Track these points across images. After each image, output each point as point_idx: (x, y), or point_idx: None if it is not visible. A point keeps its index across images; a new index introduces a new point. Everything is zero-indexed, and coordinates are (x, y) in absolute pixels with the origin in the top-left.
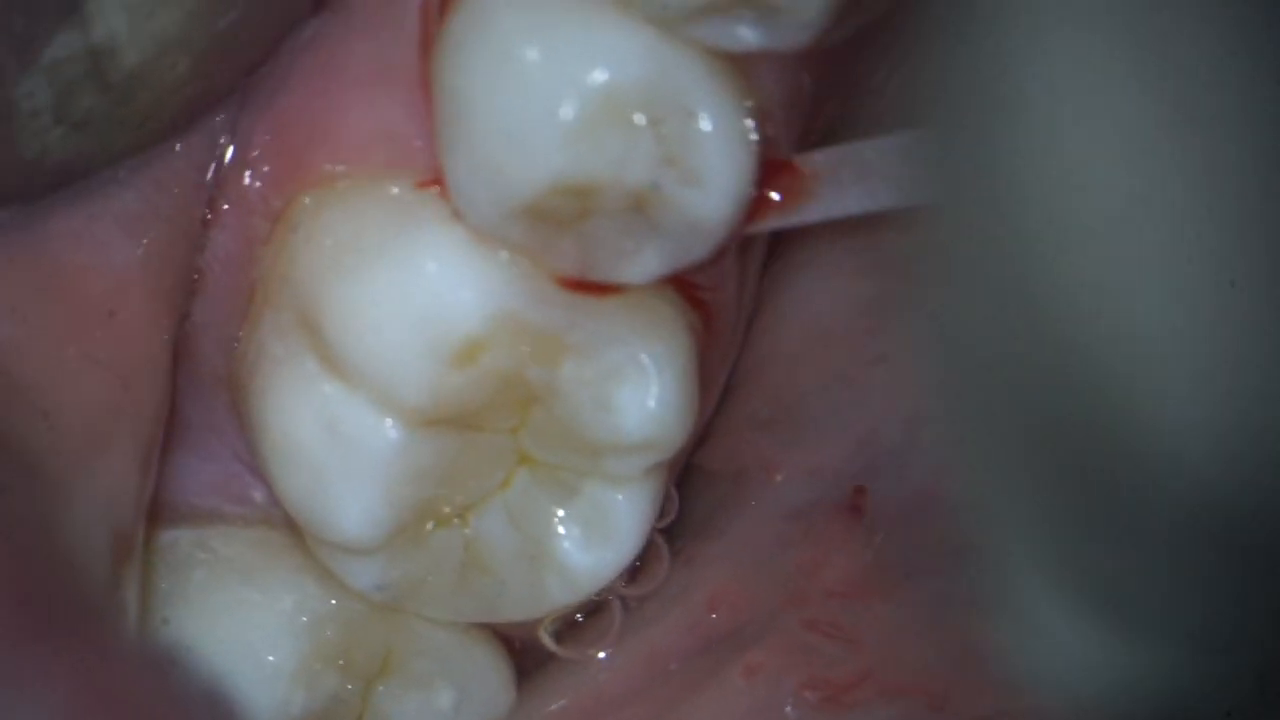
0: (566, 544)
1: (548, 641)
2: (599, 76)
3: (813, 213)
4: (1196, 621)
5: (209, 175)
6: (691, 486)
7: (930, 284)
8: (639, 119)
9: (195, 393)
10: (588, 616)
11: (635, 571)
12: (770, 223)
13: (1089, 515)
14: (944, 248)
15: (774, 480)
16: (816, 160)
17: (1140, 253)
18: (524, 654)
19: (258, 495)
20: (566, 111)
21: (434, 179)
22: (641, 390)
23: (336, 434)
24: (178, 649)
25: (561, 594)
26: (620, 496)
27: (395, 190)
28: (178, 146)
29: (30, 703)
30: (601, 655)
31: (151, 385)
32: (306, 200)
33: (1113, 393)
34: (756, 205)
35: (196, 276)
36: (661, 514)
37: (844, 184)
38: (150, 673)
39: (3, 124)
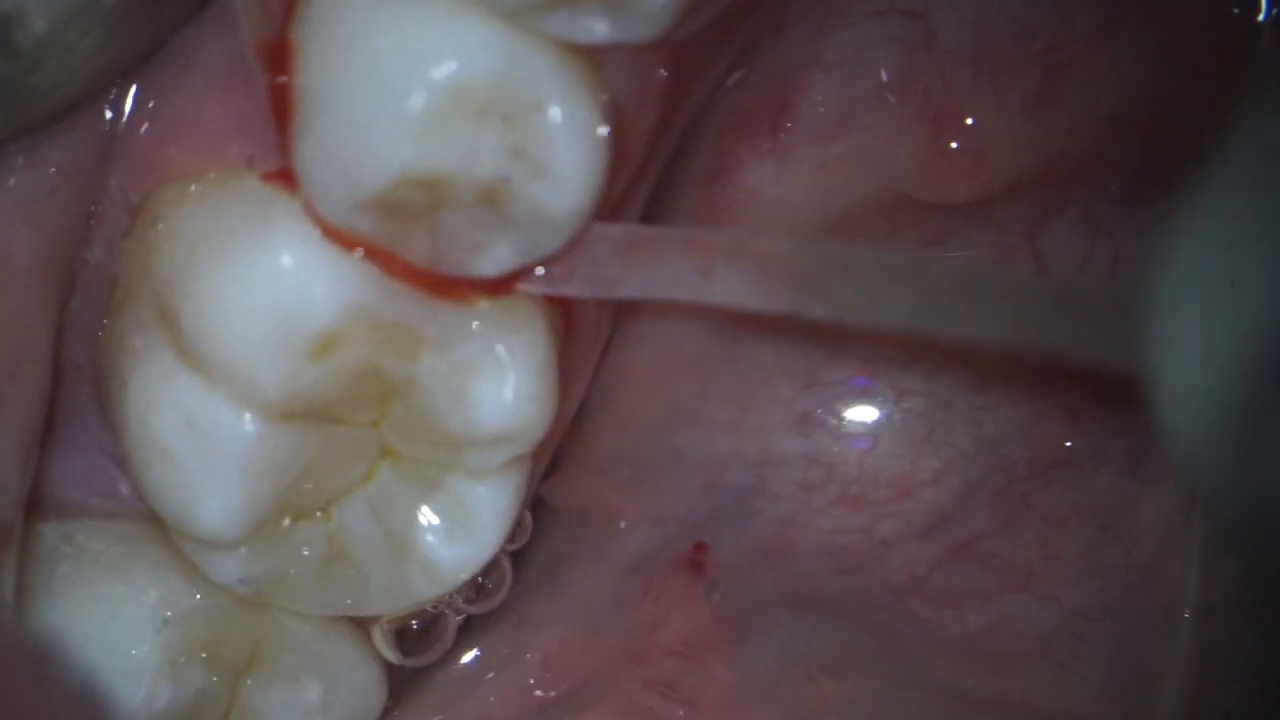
0: (429, 537)
1: (383, 648)
2: (448, 69)
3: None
4: None
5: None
6: (534, 532)
7: None
8: (488, 111)
9: (61, 384)
10: (424, 628)
11: (478, 588)
12: (538, 288)
13: None
14: None
15: (617, 528)
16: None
17: None
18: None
19: (124, 489)
20: (415, 103)
21: (283, 171)
22: (498, 383)
23: (195, 428)
24: (51, 643)
25: (424, 587)
26: (481, 490)
27: (251, 184)
28: (75, 128)
29: None
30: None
31: (33, 374)
32: (164, 194)
33: None
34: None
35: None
36: (513, 538)
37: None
38: (25, 665)
39: None
